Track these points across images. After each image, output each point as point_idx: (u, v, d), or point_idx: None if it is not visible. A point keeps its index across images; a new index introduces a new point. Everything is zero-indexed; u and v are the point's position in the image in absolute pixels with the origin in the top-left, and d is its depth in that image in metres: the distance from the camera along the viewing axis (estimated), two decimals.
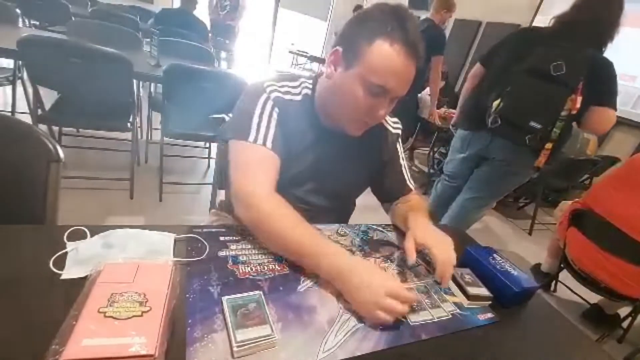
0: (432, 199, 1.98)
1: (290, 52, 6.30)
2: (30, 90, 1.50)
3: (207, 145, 2.45)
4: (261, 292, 0.49)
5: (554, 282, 1.86)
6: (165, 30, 2.55)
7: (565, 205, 1.78)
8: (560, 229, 1.72)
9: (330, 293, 0.55)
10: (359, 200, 0.93)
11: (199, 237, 0.59)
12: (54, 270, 0.45)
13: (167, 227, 0.58)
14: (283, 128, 0.70)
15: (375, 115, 0.67)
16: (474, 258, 0.71)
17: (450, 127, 1.92)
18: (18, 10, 2.15)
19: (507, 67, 1.42)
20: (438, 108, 2.87)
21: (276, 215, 0.60)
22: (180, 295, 0.45)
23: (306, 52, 6.17)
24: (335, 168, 0.78)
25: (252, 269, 0.55)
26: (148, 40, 2.02)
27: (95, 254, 0.48)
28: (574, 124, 1.40)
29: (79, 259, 0.47)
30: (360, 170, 0.83)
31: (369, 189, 0.91)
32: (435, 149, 3.26)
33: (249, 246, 0.60)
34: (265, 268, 0.56)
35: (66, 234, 0.51)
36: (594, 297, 1.74)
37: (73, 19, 2.67)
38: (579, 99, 1.26)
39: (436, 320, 0.56)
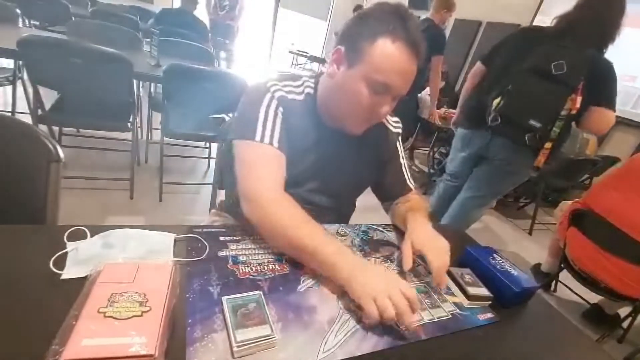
0: (434, 199, 1.98)
1: (290, 52, 6.30)
2: (30, 90, 1.50)
3: (207, 145, 2.45)
4: (261, 292, 0.49)
5: (554, 282, 1.87)
6: (165, 30, 2.55)
7: (565, 205, 1.78)
8: (560, 229, 1.72)
9: (330, 293, 0.55)
10: (359, 200, 0.93)
11: (199, 237, 0.59)
12: (54, 270, 0.45)
13: (167, 227, 0.58)
14: (287, 127, 0.70)
15: (378, 113, 0.67)
16: (474, 258, 0.71)
17: (451, 126, 1.93)
18: (18, 10, 2.15)
19: (508, 66, 1.43)
20: (438, 108, 2.87)
21: (282, 213, 0.60)
22: (180, 295, 0.45)
23: (306, 52, 6.18)
24: (337, 167, 0.78)
25: (252, 269, 0.55)
26: (148, 40, 2.02)
27: (95, 254, 0.48)
28: (573, 124, 1.40)
29: (79, 259, 0.47)
30: (361, 170, 0.83)
31: (369, 189, 0.91)
32: (435, 149, 3.26)
33: (249, 246, 0.60)
34: (265, 268, 0.56)
35: (66, 234, 0.51)
36: (594, 297, 1.74)
37: (73, 19, 2.67)
38: (579, 98, 1.26)
39: (436, 320, 0.56)
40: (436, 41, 2.42)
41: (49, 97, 1.58)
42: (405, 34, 0.61)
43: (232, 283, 0.51)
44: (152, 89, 2.31)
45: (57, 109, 1.63)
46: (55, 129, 1.93)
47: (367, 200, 0.94)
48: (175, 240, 0.56)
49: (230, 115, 1.71)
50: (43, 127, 1.29)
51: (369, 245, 0.71)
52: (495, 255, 0.73)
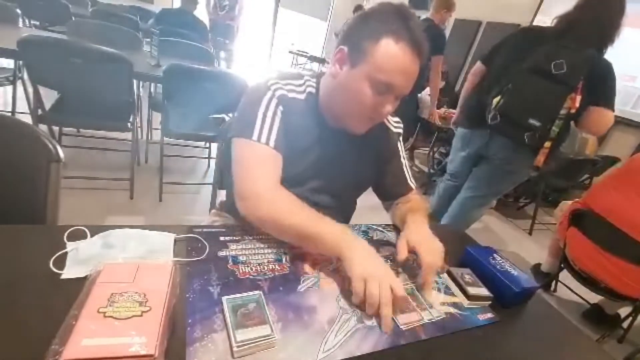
0: (434, 199, 1.99)
1: (290, 52, 6.30)
2: (30, 90, 1.50)
3: (207, 145, 2.45)
4: (261, 292, 0.49)
5: (554, 282, 1.86)
6: (165, 30, 2.55)
7: (565, 205, 1.78)
8: (560, 229, 1.72)
9: (331, 293, 0.55)
10: (359, 200, 0.93)
11: (199, 237, 0.59)
12: (54, 270, 0.45)
13: (167, 227, 0.58)
14: (287, 126, 0.70)
15: (381, 113, 0.68)
16: (474, 258, 0.71)
17: (451, 126, 1.93)
18: (18, 11, 2.15)
19: (509, 65, 1.43)
20: (438, 108, 2.88)
21: (279, 204, 0.62)
22: (180, 295, 0.45)
23: (306, 52, 6.17)
24: (338, 167, 0.78)
25: (252, 269, 0.55)
26: (148, 40, 2.02)
27: (95, 254, 0.48)
28: (572, 123, 1.40)
29: (79, 259, 0.47)
30: (363, 169, 0.83)
31: (369, 189, 0.91)
32: (435, 149, 3.26)
33: (249, 246, 0.60)
34: (265, 268, 0.56)
35: (66, 234, 0.51)
36: (594, 297, 1.74)
37: (73, 19, 2.67)
38: (578, 97, 1.26)
39: (434, 320, 0.56)
40: (436, 41, 2.42)
41: (49, 97, 1.58)
42: (408, 34, 0.62)
43: (232, 283, 0.51)
44: (152, 89, 2.31)
45: (57, 109, 1.63)
46: (55, 129, 1.93)
47: (367, 200, 0.94)
48: (175, 240, 0.56)
49: (230, 115, 1.72)
50: (43, 127, 1.29)
51: (369, 245, 0.71)
52: (495, 255, 0.73)
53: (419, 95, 2.98)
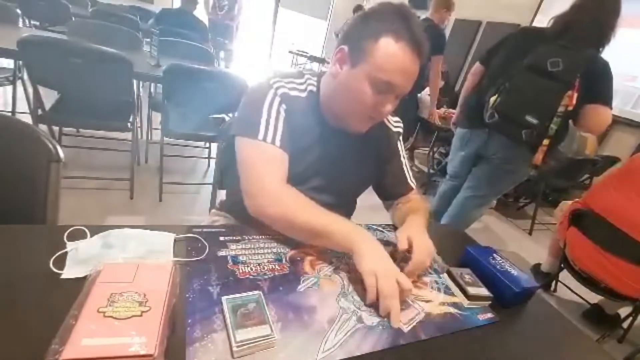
0: (435, 199, 2.00)
1: (290, 52, 6.29)
2: (30, 90, 1.50)
3: (207, 145, 2.45)
4: (261, 292, 0.49)
5: (554, 282, 1.86)
6: (165, 30, 2.55)
7: (566, 205, 1.78)
8: (560, 229, 1.72)
9: (330, 293, 0.55)
10: (359, 200, 0.93)
11: (199, 237, 0.59)
12: (54, 270, 0.45)
13: (167, 227, 0.58)
14: (290, 124, 0.71)
15: (382, 112, 0.68)
16: (474, 258, 0.71)
17: (451, 126, 1.94)
18: (18, 11, 2.15)
19: (507, 64, 1.45)
20: (438, 108, 2.88)
21: (288, 202, 0.63)
22: (180, 295, 0.45)
23: (306, 52, 6.17)
24: (339, 166, 0.78)
25: (252, 269, 0.55)
26: (148, 40, 2.02)
27: (95, 254, 0.49)
28: (571, 122, 1.41)
29: (79, 258, 0.47)
30: (363, 169, 0.84)
31: (370, 189, 0.91)
32: (435, 149, 3.26)
33: (249, 246, 0.60)
34: (265, 268, 0.56)
35: (66, 233, 0.51)
36: (594, 297, 1.74)
37: (73, 19, 2.68)
38: (575, 94, 1.27)
39: (433, 316, 0.56)
40: (436, 41, 2.42)
41: (49, 97, 1.58)
42: (408, 34, 0.62)
43: (232, 283, 0.51)
44: (152, 89, 2.31)
45: (57, 109, 1.64)
46: (55, 129, 1.93)
47: (367, 200, 0.94)
48: (175, 240, 0.56)
49: (230, 115, 1.72)
50: (43, 127, 1.29)
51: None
52: (495, 255, 0.73)
53: (419, 95, 2.98)
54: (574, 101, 1.27)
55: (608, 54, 1.37)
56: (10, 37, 1.47)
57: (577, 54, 1.29)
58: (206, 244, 0.58)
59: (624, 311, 1.64)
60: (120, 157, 2.01)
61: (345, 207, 0.91)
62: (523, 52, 1.39)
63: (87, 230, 0.52)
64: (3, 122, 0.65)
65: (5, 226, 0.50)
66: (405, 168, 0.87)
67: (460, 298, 0.63)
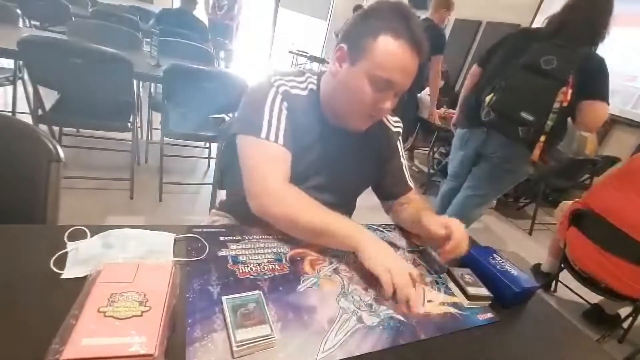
0: (437, 200, 2.01)
1: (290, 52, 6.29)
2: (30, 90, 1.50)
3: (207, 145, 2.45)
4: (261, 292, 0.49)
5: (554, 282, 1.86)
6: (165, 30, 2.55)
7: (566, 205, 1.78)
8: (560, 229, 1.72)
9: (330, 293, 0.55)
10: (359, 200, 0.93)
11: (199, 237, 0.59)
12: (55, 270, 0.45)
13: (167, 227, 0.58)
14: (291, 122, 0.71)
15: (381, 109, 0.68)
16: (474, 258, 0.71)
17: (451, 127, 1.95)
18: (18, 11, 2.15)
19: (503, 64, 1.48)
20: (438, 108, 2.88)
21: (291, 202, 0.63)
22: (180, 295, 0.45)
23: (306, 52, 6.17)
24: (339, 165, 0.78)
25: (252, 269, 0.55)
26: (148, 40, 2.02)
27: (95, 254, 0.49)
28: (569, 120, 1.43)
29: (79, 258, 0.47)
30: (363, 168, 0.84)
31: (369, 189, 0.91)
32: (435, 149, 3.26)
33: (249, 246, 0.60)
34: (265, 268, 0.56)
35: (66, 233, 0.51)
36: (594, 297, 1.74)
37: (73, 19, 2.68)
38: (570, 91, 1.30)
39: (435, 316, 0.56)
40: (436, 41, 2.42)
41: (49, 97, 1.58)
42: (407, 32, 0.62)
43: (232, 283, 0.51)
44: (152, 89, 2.31)
45: (57, 109, 1.64)
46: (56, 129, 1.93)
47: (367, 200, 0.94)
48: (175, 240, 0.56)
49: (230, 115, 1.72)
50: (43, 127, 1.29)
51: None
52: (495, 255, 0.73)
53: (419, 95, 2.98)
54: (569, 97, 1.30)
55: (608, 54, 1.38)
56: (10, 37, 1.47)
57: (571, 52, 1.31)
58: (206, 244, 0.58)
59: (624, 311, 1.64)
60: (120, 157, 2.01)
61: (345, 206, 0.91)
62: (519, 52, 1.42)
63: (87, 230, 0.52)
64: (3, 122, 0.65)
65: (5, 226, 0.50)
66: (404, 168, 0.87)
67: (460, 298, 0.63)
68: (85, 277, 0.44)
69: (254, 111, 0.69)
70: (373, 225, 0.80)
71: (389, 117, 0.86)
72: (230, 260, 0.56)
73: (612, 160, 2.76)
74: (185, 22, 3.07)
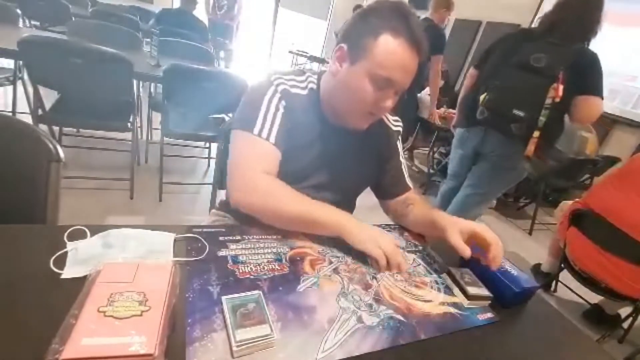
0: (437, 200, 2.03)
1: (290, 52, 6.29)
2: (30, 90, 1.50)
3: (207, 145, 2.45)
4: (261, 292, 0.49)
5: (554, 282, 1.86)
6: (165, 30, 2.56)
7: (566, 205, 1.78)
8: (560, 229, 1.72)
9: (330, 293, 0.55)
10: (358, 200, 0.93)
11: (199, 237, 0.59)
12: (54, 269, 0.45)
13: (167, 227, 0.58)
14: (288, 121, 0.71)
15: (382, 107, 0.68)
16: (474, 258, 0.71)
17: (451, 128, 1.96)
18: (18, 11, 2.15)
19: (497, 65, 1.53)
20: (438, 108, 2.88)
21: (274, 192, 0.64)
22: (179, 294, 0.45)
23: (306, 52, 6.17)
24: (340, 163, 0.79)
25: (251, 269, 0.55)
26: (148, 40, 2.02)
27: (95, 254, 0.49)
28: (567, 121, 1.45)
29: (79, 258, 0.47)
30: (363, 166, 0.84)
31: (368, 189, 0.91)
32: (435, 149, 3.26)
33: (249, 246, 0.60)
34: (265, 268, 0.56)
35: (66, 233, 0.51)
36: (594, 297, 1.74)
37: (73, 19, 2.68)
38: (561, 87, 1.32)
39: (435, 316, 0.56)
40: (436, 41, 2.42)
41: (49, 97, 1.58)
42: (406, 31, 0.63)
43: (232, 283, 0.51)
44: (152, 89, 2.31)
45: (57, 109, 1.64)
46: (56, 129, 1.93)
47: (367, 200, 0.94)
48: (175, 240, 0.56)
49: (230, 115, 1.71)
50: (43, 127, 1.29)
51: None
52: None
53: (419, 95, 2.98)
54: (560, 93, 1.32)
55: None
56: (10, 37, 1.48)
57: (562, 49, 1.35)
58: (206, 244, 0.58)
59: (624, 311, 1.64)
60: (120, 157, 2.01)
61: (345, 205, 0.91)
62: (513, 53, 1.46)
63: (87, 230, 0.52)
64: (3, 122, 0.65)
65: (5, 226, 0.50)
66: (403, 168, 0.88)
67: (460, 298, 0.63)
68: (85, 277, 0.44)
69: (251, 108, 0.69)
70: (373, 225, 0.80)
71: (389, 116, 0.86)
72: (230, 260, 0.56)
73: (612, 160, 2.76)
74: (185, 22, 3.07)
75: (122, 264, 0.46)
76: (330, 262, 0.62)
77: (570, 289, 1.80)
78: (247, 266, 0.55)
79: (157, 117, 2.21)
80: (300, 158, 0.74)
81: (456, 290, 0.65)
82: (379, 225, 0.81)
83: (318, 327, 0.47)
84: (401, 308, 0.56)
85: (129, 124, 1.69)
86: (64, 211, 0.69)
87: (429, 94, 2.76)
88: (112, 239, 0.52)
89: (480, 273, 0.68)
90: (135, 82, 1.74)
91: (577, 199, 1.70)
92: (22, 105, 1.96)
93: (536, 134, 1.40)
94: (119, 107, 1.71)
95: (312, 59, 5.98)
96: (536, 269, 2.08)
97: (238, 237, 0.62)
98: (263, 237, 0.64)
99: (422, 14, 2.54)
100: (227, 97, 1.67)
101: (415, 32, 0.63)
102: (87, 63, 1.44)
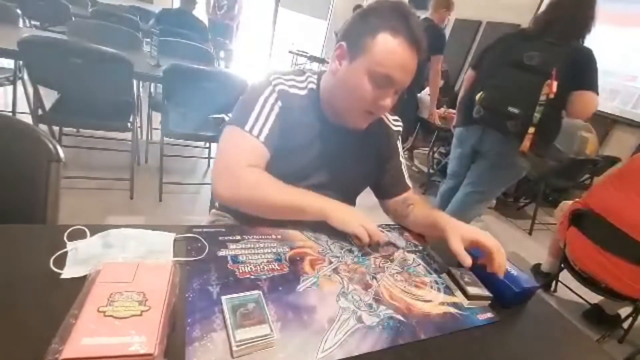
0: (437, 199, 2.03)
1: (290, 52, 6.30)
2: (30, 90, 1.50)
3: (207, 145, 2.45)
4: (260, 292, 0.49)
5: (554, 282, 1.86)
6: (165, 30, 2.56)
7: (566, 205, 1.78)
8: (560, 229, 1.72)
9: (330, 293, 0.55)
10: (358, 200, 0.93)
11: (199, 237, 0.59)
12: (54, 269, 0.45)
13: (167, 227, 0.58)
14: (284, 121, 0.71)
15: (381, 106, 0.68)
16: (474, 258, 0.71)
17: (452, 128, 1.96)
18: (18, 11, 2.15)
19: (493, 65, 1.57)
20: (438, 108, 2.88)
21: (262, 185, 0.65)
22: (179, 294, 0.45)
23: (306, 52, 6.17)
24: (340, 162, 0.79)
25: (251, 269, 0.55)
26: (148, 40, 2.02)
27: (95, 254, 0.49)
28: (569, 122, 1.46)
29: (79, 258, 0.47)
30: (363, 165, 0.84)
31: (368, 189, 0.91)
32: (435, 149, 3.26)
33: (249, 246, 0.60)
34: (265, 268, 0.56)
35: (66, 233, 0.51)
36: (594, 297, 1.74)
37: (73, 19, 2.68)
38: (555, 83, 1.34)
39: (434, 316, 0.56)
40: (436, 41, 2.42)
41: (49, 97, 1.58)
42: (406, 30, 0.63)
43: (232, 283, 0.51)
44: (152, 89, 2.31)
45: (57, 109, 1.64)
46: (56, 129, 1.93)
47: (366, 200, 0.94)
48: (175, 240, 0.56)
49: (230, 115, 1.71)
50: (43, 127, 1.29)
51: (369, 245, 0.71)
52: None
53: (419, 95, 2.98)
54: (554, 89, 1.34)
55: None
56: (10, 37, 1.48)
57: (559, 48, 1.38)
58: (206, 244, 0.58)
59: (624, 311, 1.64)
60: (120, 157, 2.01)
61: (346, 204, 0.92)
62: (508, 52, 1.50)
63: (87, 230, 0.52)
64: (3, 122, 0.65)
65: (5, 226, 0.50)
66: (403, 168, 0.88)
67: (460, 298, 0.63)
68: (84, 277, 0.44)
69: (246, 106, 0.70)
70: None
71: (389, 116, 0.86)
72: (230, 260, 0.56)
73: (613, 160, 2.76)
74: (185, 22, 3.07)
75: (122, 263, 0.46)
76: (330, 262, 0.62)
77: (570, 289, 1.80)
78: (247, 266, 0.55)
79: (157, 117, 2.21)
80: (300, 157, 0.74)
81: (456, 290, 0.65)
82: (379, 225, 0.81)
83: (318, 327, 0.47)
84: (401, 308, 0.56)
85: (129, 124, 1.69)
86: (64, 211, 0.69)
87: (429, 94, 2.76)
88: (112, 239, 0.52)
89: (480, 273, 0.68)
90: (135, 82, 1.74)
91: (577, 199, 1.70)
92: (22, 105, 1.96)
93: (531, 130, 1.42)
94: (119, 107, 1.71)
95: (312, 59, 5.98)
96: (536, 269, 2.08)
97: (238, 237, 0.62)
98: (263, 237, 0.64)
99: (422, 14, 2.54)
100: (227, 97, 1.66)
101: (415, 31, 0.63)
102: (87, 63, 1.44)
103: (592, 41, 1.45)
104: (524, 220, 2.83)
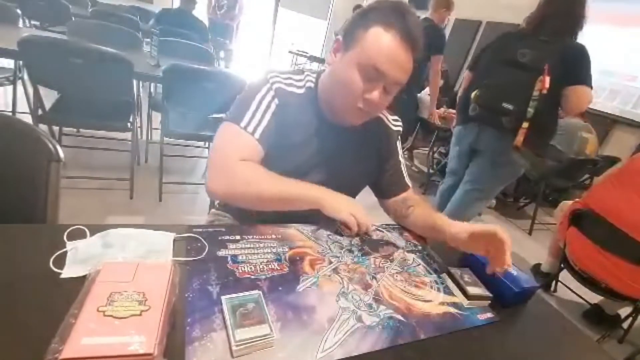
0: (436, 198, 2.04)
1: (290, 52, 6.30)
2: (30, 90, 1.50)
3: (207, 145, 2.45)
4: (260, 292, 0.49)
5: (554, 282, 1.86)
6: (165, 30, 2.56)
7: (566, 206, 1.78)
8: (560, 229, 1.72)
9: (330, 293, 0.55)
10: (358, 199, 0.93)
11: (199, 237, 0.59)
12: (54, 269, 0.45)
13: (166, 227, 0.58)
14: (281, 119, 0.71)
15: (368, 100, 0.67)
16: (473, 258, 0.71)
17: (452, 128, 1.97)
18: (18, 11, 2.15)
19: (488, 64, 1.61)
20: (438, 108, 2.88)
21: (249, 172, 0.66)
22: (179, 294, 0.45)
23: (306, 52, 6.17)
24: (339, 161, 0.79)
25: (251, 269, 0.55)
26: (148, 40, 2.02)
27: (94, 253, 0.49)
28: (562, 113, 1.51)
29: (78, 258, 0.47)
30: (362, 164, 0.84)
31: (367, 189, 0.91)
32: (435, 149, 3.26)
33: (248, 246, 0.60)
34: (265, 268, 0.56)
35: (66, 233, 0.51)
36: (594, 297, 1.74)
37: (73, 19, 2.68)
38: (547, 78, 1.36)
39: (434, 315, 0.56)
40: (436, 41, 2.42)
41: (49, 97, 1.58)
42: (400, 27, 0.63)
43: (232, 282, 0.51)
44: (152, 89, 2.31)
45: (57, 109, 1.64)
46: (56, 129, 1.93)
47: (366, 199, 0.94)
48: (174, 240, 0.56)
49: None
50: (43, 127, 1.29)
51: (369, 245, 0.71)
52: None
53: (419, 95, 2.98)
54: (547, 85, 1.37)
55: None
56: (10, 37, 1.48)
57: (552, 46, 1.41)
58: (206, 244, 0.58)
59: (624, 311, 1.64)
60: (120, 157, 2.01)
61: None
62: (502, 51, 1.54)
63: (87, 230, 0.52)
64: (3, 122, 0.65)
65: (5, 226, 0.50)
66: (402, 167, 0.88)
67: (460, 298, 0.63)
68: (84, 277, 0.44)
69: (242, 103, 0.71)
70: (373, 225, 0.80)
71: (389, 116, 0.86)
72: (229, 260, 0.56)
73: (612, 160, 2.76)
74: (185, 22, 3.08)
75: (121, 263, 0.46)
76: (330, 262, 0.62)
77: (570, 289, 1.80)
78: (247, 266, 0.55)
79: (157, 117, 2.21)
80: (297, 155, 0.74)
81: (456, 290, 0.65)
82: (379, 225, 0.81)
83: (318, 327, 0.47)
84: (401, 308, 0.56)
85: (129, 124, 1.69)
86: (64, 211, 0.69)
87: (429, 94, 2.76)
88: (112, 239, 0.52)
89: (480, 273, 0.68)
90: (135, 82, 1.74)
91: (577, 199, 1.70)
92: (22, 105, 1.96)
93: (525, 124, 1.44)
94: (119, 107, 1.71)
95: (312, 59, 5.98)
96: (536, 269, 2.08)
97: (237, 237, 0.62)
98: (263, 237, 0.64)
99: (422, 14, 2.54)
100: (226, 97, 1.67)
101: (410, 28, 0.63)
102: (87, 63, 1.44)
103: (592, 41, 1.47)
104: (524, 220, 2.83)
